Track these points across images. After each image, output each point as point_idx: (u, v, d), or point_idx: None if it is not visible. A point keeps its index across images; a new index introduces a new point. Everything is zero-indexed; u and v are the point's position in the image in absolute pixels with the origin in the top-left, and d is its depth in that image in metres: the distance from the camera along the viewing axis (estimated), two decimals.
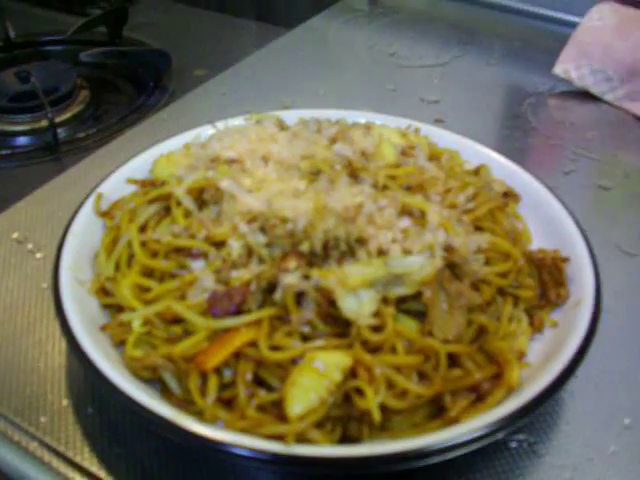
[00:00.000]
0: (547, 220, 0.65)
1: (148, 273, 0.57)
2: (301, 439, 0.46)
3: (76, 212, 0.65)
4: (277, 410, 0.48)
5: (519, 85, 1.06)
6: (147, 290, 0.55)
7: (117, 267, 0.59)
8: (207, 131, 0.74)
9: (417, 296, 0.53)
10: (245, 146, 0.62)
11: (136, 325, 0.54)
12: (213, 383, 0.49)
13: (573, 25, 1.08)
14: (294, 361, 0.49)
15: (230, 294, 0.51)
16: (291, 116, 0.75)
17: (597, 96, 1.01)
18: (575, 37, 1.02)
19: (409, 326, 0.52)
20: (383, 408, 0.48)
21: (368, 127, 0.68)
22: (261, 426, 0.46)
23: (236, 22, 1.37)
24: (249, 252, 0.54)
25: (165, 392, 0.52)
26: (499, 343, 0.52)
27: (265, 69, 1.10)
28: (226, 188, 0.57)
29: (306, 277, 0.51)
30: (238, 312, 0.51)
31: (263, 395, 0.48)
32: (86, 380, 0.58)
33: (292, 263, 0.51)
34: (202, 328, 0.51)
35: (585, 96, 1.02)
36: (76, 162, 0.87)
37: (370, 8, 1.35)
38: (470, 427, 0.47)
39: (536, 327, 0.57)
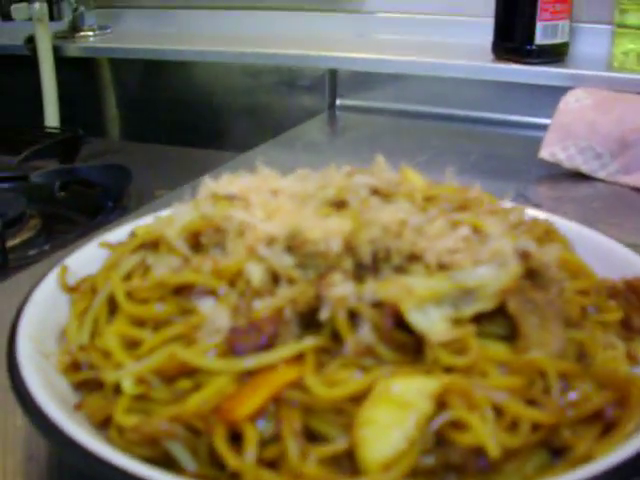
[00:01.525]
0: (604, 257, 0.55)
1: (137, 325, 0.43)
2: None
3: (36, 284, 0.51)
4: (346, 464, 0.33)
5: (504, 178, 1.01)
6: (137, 345, 0.42)
7: (92, 334, 0.46)
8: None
9: (493, 316, 0.41)
10: (247, 183, 0.51)
11: (127, 385, 0.39)
12: (251, 434, 0.34)
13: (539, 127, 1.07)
14: (357, 400, 0.35)
15: (258, 326, 0.38)
16: None
17: (589, 175, 0.96)
18: (556, 120, 0.99)
19: (496, 347, 0.39)
20: (483, 454, 0.34)
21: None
22: None
23: (190, 151, 1.32)
24: (274, 278, 0.41)
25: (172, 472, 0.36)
26: (611, 363, 0.40)
27: None
28: (233, 218, 0.45)
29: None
30: (269, 349, 0.38)
31: (323, 448, 0.34)
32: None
33: (337, 277, 0.39)
34: (224, 373, 0.37)
35: (576, 176, 0.97)
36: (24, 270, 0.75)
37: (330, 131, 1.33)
38: (609, 464, 0.33)
39: (631, 358, 0.45)
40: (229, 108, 1.47)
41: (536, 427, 0.36)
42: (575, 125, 0.97)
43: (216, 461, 0.36)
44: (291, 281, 0.40)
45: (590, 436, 0.36)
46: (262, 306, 0.39)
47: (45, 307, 0.49)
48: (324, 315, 0.38)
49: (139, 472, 0.33)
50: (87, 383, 0.44)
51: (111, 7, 1.61)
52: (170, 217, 0.52)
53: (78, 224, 1.02)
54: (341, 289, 0.38)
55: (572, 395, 0.37)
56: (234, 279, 0.42)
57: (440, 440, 0.34)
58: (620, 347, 0.45)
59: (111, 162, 1.05)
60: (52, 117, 1.41)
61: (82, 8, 1.52)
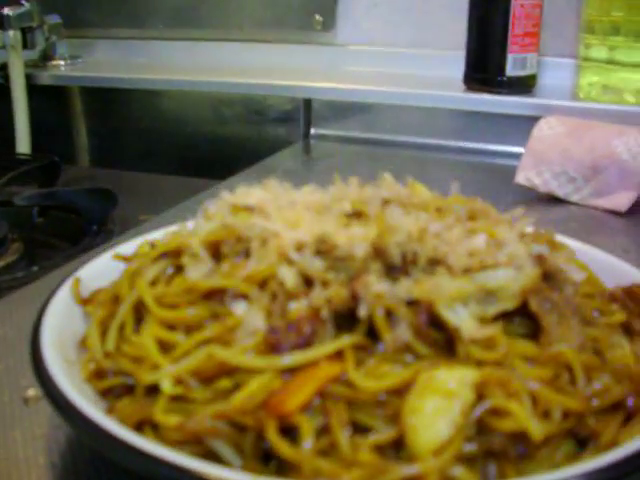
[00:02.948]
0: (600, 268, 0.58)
1: (169, 329, 0.44)
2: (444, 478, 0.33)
3: (49, 297, 0.51)
4: (392, 453, 0.35)
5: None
6: (170, 349, 0.42)
7: (118, 341, 0.46)
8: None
9: (514, 316, 0.43)
10: (262, 195, 0.53)
11: (166, 386, 0.40)
12: (307, 425, 0.35)
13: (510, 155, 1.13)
14: (399, 393, 0.37)
15: (296, 325, 0.39)
16: None
17: (563, 198, 1.00)
18: (530, 147, 1.03)
19: (522, 343, 0.41)
20: (521, 441, 0.36)
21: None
22: (384, 472, 0.33)
23: (167, 179, 1.33)
24: (306, 281, 0.43)
25: None
26: (622, 360, 0.42)
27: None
28: (257, 226, 0.47)
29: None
30: (307, 347, 0.39)
31: (372, 438, 0.35)
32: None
33: (371, 277, 0.41)
34: (265, 370, 0.38)
35: (551, 200, 1.01)
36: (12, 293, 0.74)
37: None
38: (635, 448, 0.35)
39: (637, 357, 0.48)
40: (202, 138, 1.48)
41: (566, 415, 0.37)
42: (549, 152, 1.01)
43: (261, 456, 0.37)
44: (324, 283, 0.42)
45: (614, 424, 0.38)
46: (298, 307, 0.41)
47: (61, 318, 0.49)
48: (362, 312, 0.39)
49: (191, 466, 0.34)
50: (113, 390, 0.44)
51: (83, 37, 1.62)
52: (186, 228, 0.53)
53: (60, 249, 1.01)
54: (378, 287, 0.39)
55: (596, 386, 0.39)
56: (264, 284, 0.43)
57: (481, 428, 0.36)
58: (626, 346, 0.47)
59: (91, 187, 1.05)
60: (24, 144, 1.40)
61: (54, 37, 1.52)
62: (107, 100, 1.53)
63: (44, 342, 0.45)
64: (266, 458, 0.37)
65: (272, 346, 0.39)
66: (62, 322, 0.49)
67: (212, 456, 0.37)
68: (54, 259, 0.90)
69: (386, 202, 0.53)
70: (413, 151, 1.31)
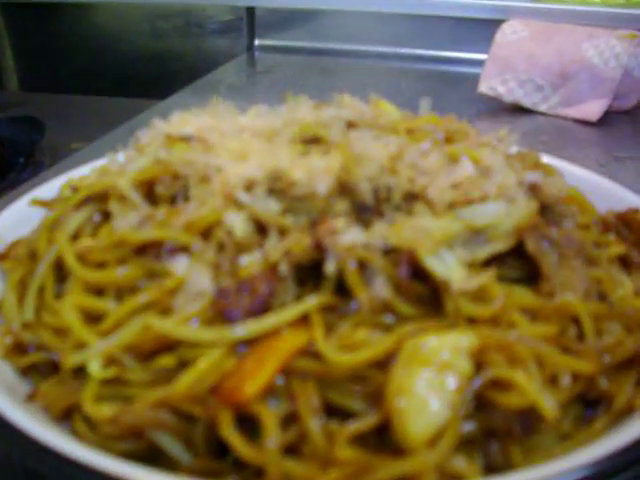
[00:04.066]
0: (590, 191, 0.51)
1: (96, 295, 0.36)
2: (442, 475, 0.27)
3: None
4: (377, 445, 0.28)
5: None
6: (99, 320, 0.35)
7: (37, 308, 0.38)
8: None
9: (508, 259, 0.37)
10: (204, 122, 0.44)
11: (95, 368, 0.32)
12: (269, 417, 0.28)
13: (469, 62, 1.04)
14: (381, 365, 0.30)
15: (249, 286, 0.32)
16: None
17: (530, 108, 0.93)
18: (493, 53, 0.95)
19: (519, 292, 0.35)
20: (527, 415, 0.30)
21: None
22: (370, 471, 0.27)
23: (102, 100, 1.22)
24: (259, 229, 0.35)
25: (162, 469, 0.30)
26: (630, 299, 0.37)
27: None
28: (195, 163, 0.39)
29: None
30: (265, 312, 0.32)
31: (348, 426, 0.29)
32: None
33: (338, 222, 0.33)
34: (214, 345, 0.31)
35: (517, 110, 0.94)
36: None
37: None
38: None
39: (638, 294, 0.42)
40: (138, 54, 1.36)
41: (575, 378, 0.32)
42: (513, 57, 0.93)
43: (215, 450, 0.30)
44: (281, 230, 0.34)
45: (628, 384, 0.33)
46: (250, 262, 0.33)
47: None
48: (330, 268, 0.32)
49: (120, 472, 0.27)
50: (37, 367, 0.37)
51: None
52: (115, 163, 0.44)
53: None
54: (348, 236, 0.32)
55: (606, 340, 0.33)
56: (208, 233, 0.36)
57: (480, 403, 0.30)
58: (628, 284, 0.42)
59: (17, 114, 0.94)
60: None
61: None
62: (34, 16, 1.38)
63: None
64: (221, 451, 0.30)
65: (222, 313, 0.32)
66: None
67: (156, 451, 0.31)
68: None
69: (350, 125, 0.45)
70: (365, 60, 1.22)
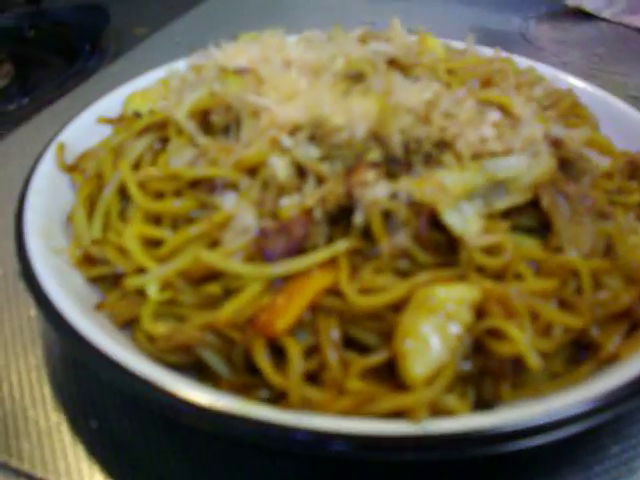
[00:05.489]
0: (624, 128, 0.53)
1: (154, 222, 0.41)
2: (434, 410, 0.32)
3: (34, 167, 0.48)
4: (387, 377, 0.34)
5: (504, 13, 0.95)
6: (158, 245, 0.40)
7: (104, 227, 0.44)
8: (185, 63, 0.57)
9: (524, 209, 0.40)
10: (256, 53, 0.47)
11: (152, 291, 0.38)
12: (295, 350, 0.34)
13: None
14: (395, 307, 0.35)
15: (287, 228, 0.37)
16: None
17: (592, 13, 0.91)
18: None
19: (529, 244, 0.38)
20: (518, 360, 0.35)
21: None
22: (373, 401, 0.32)
23: None
24: (300, 172, 0.39)
25: (206, 380, 0.36)
26: (635, 251, 0.40)
27: (222, 15, 0.95)
28: (246, 100, 0.42)
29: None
30: (299, 253, 0.37)
31: (363, 360, 0.34)
32: (81, 382, 0.42)
33: (369, 174, 0.37)
34: (254, 279, 0.36)
35: (578, 15, 0.92)
36: (8, 135, 0.70)
37: None
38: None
39: None
40: None
41: (567, 329, 0.36)
42: None
43: (251, 367, 0.36)
44: (319, 177, 0.38)
45: (617, 335, 0.37)
46: (290, 205, 0.37)
47: (47, 195, 0.46)
48: (358, 219, 0.36)
49: (161, 382, 0.33)
50: (103, 278, 0.43)
51: None
52: (176, 75, 0.48)
53: (54, 68, 0.95)
54: (375, 191, 0.36)
55: (602, 294, 0.37)
56: (254, 171, 0.40)
57: (478, 347, 0.34)
58: None
59: (82, 2, 0.96)
60: None
61: None
62: None
63: (28, 231, 0.42)
64: (256, 369, 0.36)
65: (261, 251, 0.36)
66: (49, 200, 0.46)
67: (202, 365, 0.37)
68: (46, 86, 0.85)
69: (391, 62, 0.47)
70: None
